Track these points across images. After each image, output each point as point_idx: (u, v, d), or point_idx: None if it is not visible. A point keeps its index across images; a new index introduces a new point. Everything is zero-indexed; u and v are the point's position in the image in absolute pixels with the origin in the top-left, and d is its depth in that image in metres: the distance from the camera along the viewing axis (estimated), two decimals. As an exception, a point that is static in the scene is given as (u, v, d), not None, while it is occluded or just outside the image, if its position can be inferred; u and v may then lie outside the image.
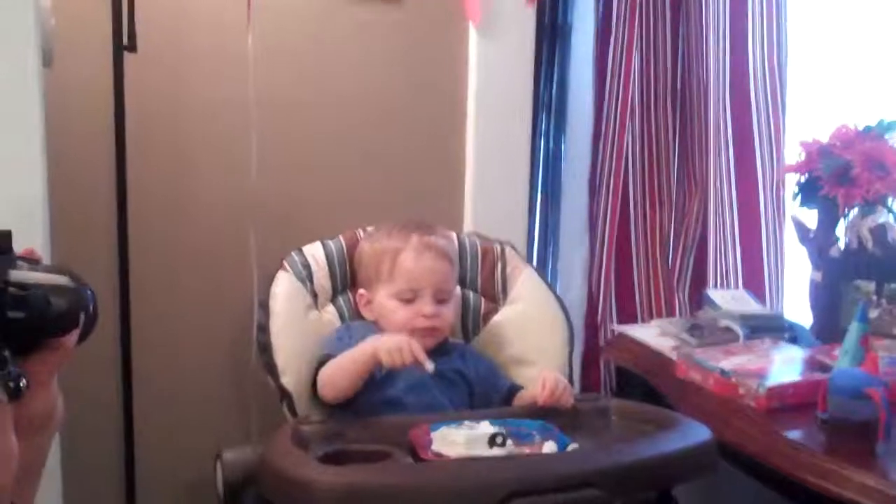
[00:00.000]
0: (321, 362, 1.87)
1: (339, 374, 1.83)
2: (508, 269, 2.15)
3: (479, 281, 2.14)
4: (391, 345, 1.76)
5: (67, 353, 0.93)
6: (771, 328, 2.28)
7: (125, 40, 2.10)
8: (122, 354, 2.24)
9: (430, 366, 1.76)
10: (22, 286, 0.87)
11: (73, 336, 0.94)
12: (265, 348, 1.94)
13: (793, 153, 2.40)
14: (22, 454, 0.87)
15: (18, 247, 0.92)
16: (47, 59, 1.72)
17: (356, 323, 2.02)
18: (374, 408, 1.83)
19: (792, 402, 1.88)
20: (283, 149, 2.32)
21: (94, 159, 2.18)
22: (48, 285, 0.90)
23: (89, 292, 0.95)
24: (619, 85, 2.59)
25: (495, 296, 2.14)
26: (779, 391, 1.88)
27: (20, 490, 0.89)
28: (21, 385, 0.86)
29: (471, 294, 2.13)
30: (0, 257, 0.89)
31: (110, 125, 2.16)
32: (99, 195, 2.19)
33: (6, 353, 0.85)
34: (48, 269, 0.93)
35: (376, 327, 1.98)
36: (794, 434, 1.75)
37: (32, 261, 0.93)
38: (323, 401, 1.87)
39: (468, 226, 2.45)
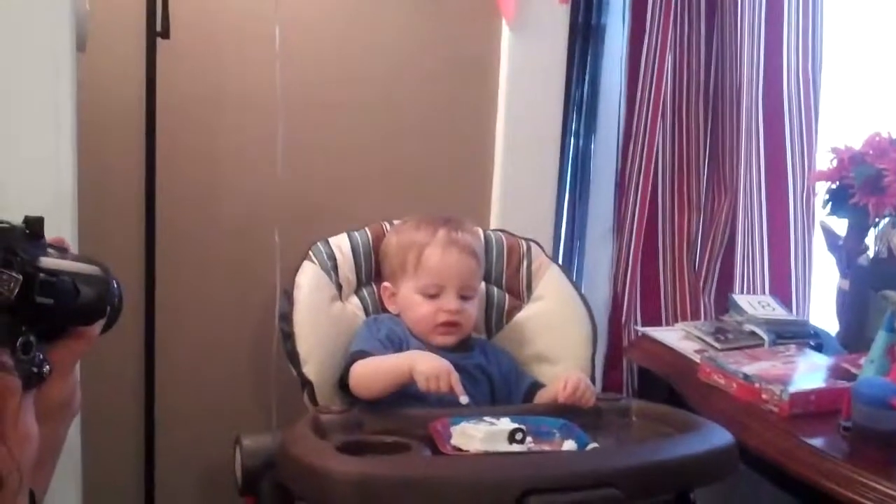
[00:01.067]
0: (354, 358, 1.87)
1: (373, 378, 1.83)
2: (534, 267, 2.15)
3: (504, 277, 2.14)
4: (429, 371, 1.75)
5: (90, 342, 0.94)
6: (796, 335, 2.26)
7: (158, 27, 2.11)
8: (146, 339, 2.25)
9: (464, 398, 1.75)
10: (52, 273, 0.87)
11: (98, 325, 0.94)
12: (288, 337, 1.95)
13: (824, 160, 2.38)
14: (39, 440, 0.87)
15: (48, 234, 0.92)
16: (81, 44, 1.73)
17: (383, 316, 2.02)
18: (396, 400, 1.82)
19: (815, 410, 1.86)
20: (311, 141, 2.33)
21: (124, 144, 2.19)
22: (77, 273, 0.90)
23: (116, 284, 0.96)
24: (651, 86, 2.57)
25: (520, 293, 2.14)
26: (802, 398, 1.87)
27: (35, 475, 0.89)
28: (44, 371, 0.87)
29: (495, 290, 2.13)
30: (32, 243, 0.89)
31: (141, 111, 2.17)
32: (128, 182, 2.21)
33: (32, 338, 0.85)
34: (77, 259, 0.93)
35: (401, 320, 1.98)
36: (816, 441, 1.74)
37: (62, 249, 0.93)
38: (351, 394, 1.86)
39: (495, 222, 2.45)
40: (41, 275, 0.86)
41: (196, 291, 2.30)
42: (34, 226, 0.90)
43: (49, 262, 0.88)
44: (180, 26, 2.14)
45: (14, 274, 0.83)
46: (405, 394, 1.83)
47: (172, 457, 2.33)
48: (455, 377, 1.75)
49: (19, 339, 0.85)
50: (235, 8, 2.23)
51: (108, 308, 0.94)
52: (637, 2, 2.56)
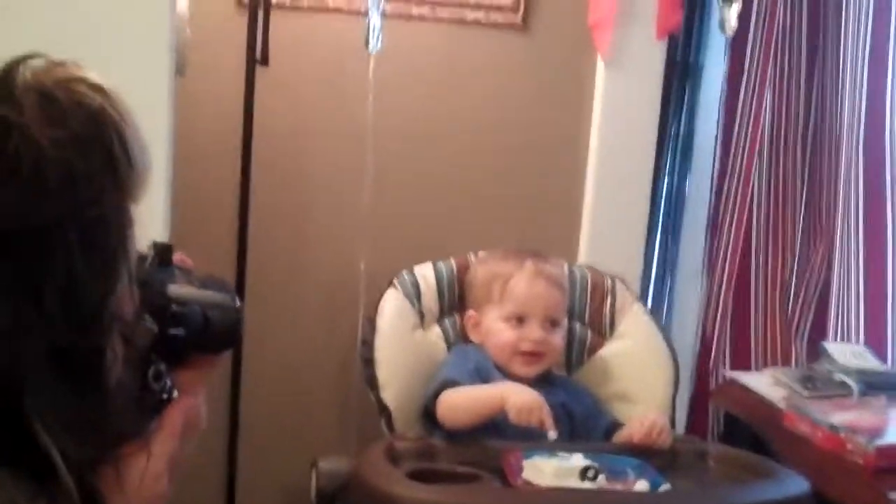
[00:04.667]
0: (444, 386, 1.87)
1: (464, 408, 1.83)
2: (618, 304, 2.13)
3: (587, 313, 2.13)
4: (522, 404, 1.75)
5: (217, 365, 0.95)
6: (889, 386, 2.19)
7: (258, 54, 2.16)
8: (233, 362, 2.29)
9: (553, 434, 1.74)
10: (182, 302, 0.87)
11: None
12: (368, 363, 1.97)
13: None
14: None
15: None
16: (181, 68, 1.78)
17: (470, 346, 2.02)
18: (474, 429, 1.82)
19: (903, 464, 1.80)
20: (400, 172, 2.35)
21: (220, 169, 2.25)
22: (206, 302, 0.90)
23: (239, 306, 0.95)
24: (748, 127, 2.53)
25: (602, 330, 2.12)
26: (889, 451, 1.81)
27: None
28: (172, 396, 0.88)
29: (577, 326, 2.12)
30: (161, 270, 0.89)
31: (238, 135, 2.22)
32: (222, 204, 2.26)
33: (162, 366, 0.86)
34: (203, 281, 0.92)
35: (485, 351, 1.98)
36: (901, 496, 1.69)
37: (185, 270, 0.93)
38: (437, 421, 1.86)
39: (583, 258, 2.43)
40: (173, 306, 0.86)
41: (282, 316, 2.34)
42: (163, 253, 0.90)
43: (178, 290, 0.88)
44: (279, 54, 2.19)
45: (150, 324, 0.84)
46: (486, 424, 1.82)
47: (254, 476, 2.37)
48: (546, 411, 1.74)
49: (150, 369, 0.85)
50: (333, 38, 2.27)
51: (237, 336, 0.94)
52: (737, 42, 2.52)
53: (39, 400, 0.72)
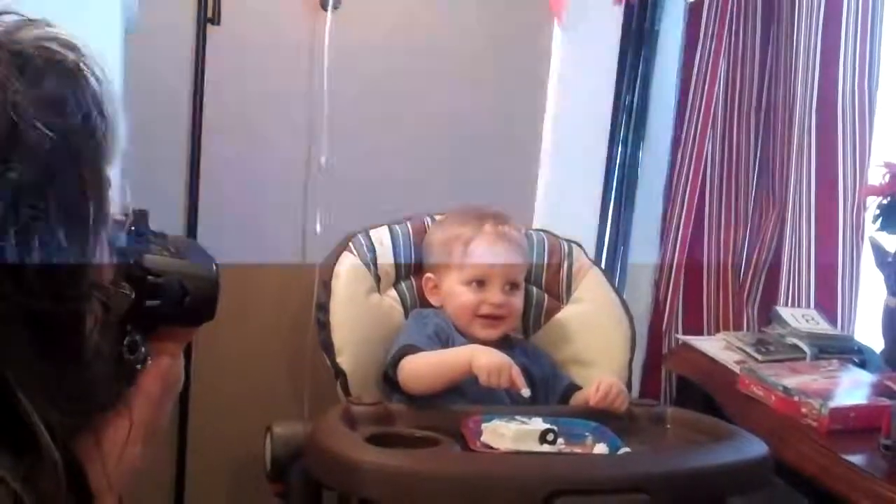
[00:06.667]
0: (404, 352, 1.85)
1: (429, 372, 1.82)
2: (574, 268, 2.13)
3: (544, 277, 2.12)
4: (490, 366, 1.73)
5: (192, 332, 0.93)
6: (840, 350, 2.21)
7: (209, 12, 2.12)
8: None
9: (526, 391, 1.74)
10: (158, 273, 0.85)
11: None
12: (323, 326, 1.95)
13: (877, 174, 2.33)
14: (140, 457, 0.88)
15: None
16: (131, 26, 1.74)
17: (429, 310, 2.01)
18: (436, 394, 1.81)
19: (854, 426, 1.82)
20: (355, 133, 2.33)
21: (170, 130, 2.21)
22: (184, 273, 0.87)
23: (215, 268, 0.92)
24: (702, 95, 2.54)
25: (559, 294, 2.12)
26: (842, 413, 1.83)
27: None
28: (147, 365, 0.86)
29: (534, 290, 2.11)
30: (136, 240, 0.86)
31: (188, 96, 2.19)
32: (171, 164, 2.22)
33: (137, 337, 0.84)
34: (179, 247, 0.90)
35: (444, 314, 1.97)
36: (855, 458, 1.70)
37: (160, 235, 0.90)
38: (401, 388, 1.84)
39: (538, 223, 2.43)
40: (149, 277, 0.84)
41: (234, 277, 2.29)
42: (139, 220, 0.87)
43: (155, 260, 0.86)
44: (231, 12, 2.15)
45: (126, 290, 0.81)
46: (448, 388, 1.82)
47: (204, 442, 2.34)
48: (516, 370, 1.74)
49: (125, 340, 0.83)
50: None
51: (215, 308, 0.91)
52: (693, 9, 2.52)
53: (21, 370, 0.70)
